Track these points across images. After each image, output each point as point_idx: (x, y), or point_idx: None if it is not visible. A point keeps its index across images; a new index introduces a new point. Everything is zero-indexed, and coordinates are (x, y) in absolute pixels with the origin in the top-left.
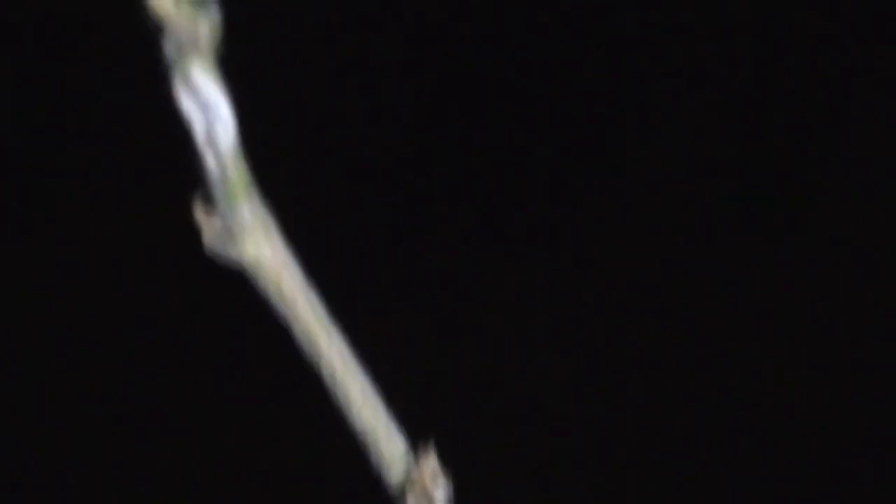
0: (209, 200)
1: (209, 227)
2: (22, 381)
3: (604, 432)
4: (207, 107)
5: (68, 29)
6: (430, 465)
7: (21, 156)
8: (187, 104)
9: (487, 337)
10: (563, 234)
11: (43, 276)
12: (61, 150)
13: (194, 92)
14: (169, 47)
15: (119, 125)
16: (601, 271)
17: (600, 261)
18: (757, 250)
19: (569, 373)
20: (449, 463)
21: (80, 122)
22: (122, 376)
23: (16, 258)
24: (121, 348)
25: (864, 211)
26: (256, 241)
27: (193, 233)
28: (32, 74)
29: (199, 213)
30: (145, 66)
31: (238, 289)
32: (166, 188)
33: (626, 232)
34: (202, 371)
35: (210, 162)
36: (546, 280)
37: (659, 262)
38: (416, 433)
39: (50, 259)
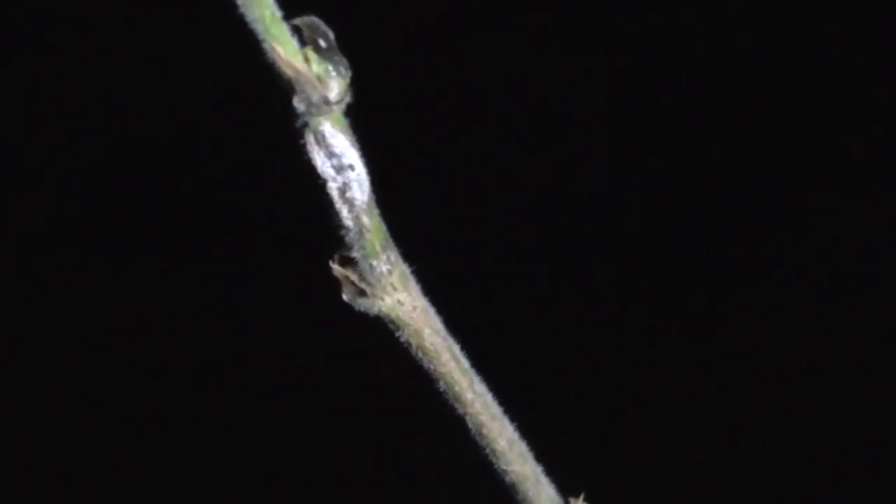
0: (347, 254)
1: (347, 281)
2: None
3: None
4: (341, 162)
5: (200, 96)
6: None
7: (168, 212)
8: (321, 160)
9: (636, 385)
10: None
11: (200, 324)
12: (207, 205)
13: (327, 148)
14: (300, 105)
15: (254, 181)
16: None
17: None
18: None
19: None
20: None
21: (217, 177)
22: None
23: (153, 302)
24: (260, 410)
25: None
26: (395, 294)
27: (333, 287)
28: (175, 138)
29: (338, 268)
30: (279, 123)
31: (378, 341)
32: (305, 244)
33: None
34: (341, 424)
35: (346, 217)
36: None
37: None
38: (566, 481)
39: (219, 314)
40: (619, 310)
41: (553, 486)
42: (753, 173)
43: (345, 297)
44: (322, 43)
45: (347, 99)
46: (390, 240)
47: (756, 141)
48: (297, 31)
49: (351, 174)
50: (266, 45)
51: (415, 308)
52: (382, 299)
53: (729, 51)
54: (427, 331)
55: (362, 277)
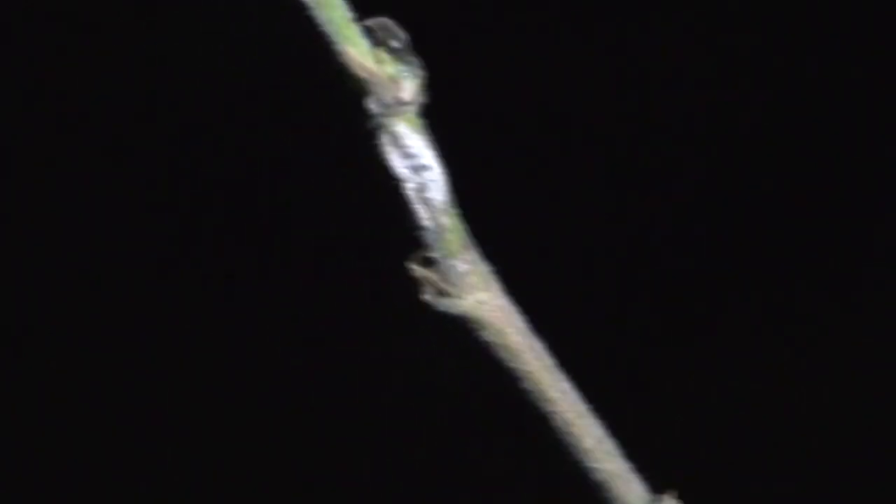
0: (426, 255)
1: (428, 282)
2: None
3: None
4: (417, 163)
5: (278, 93)
6: None
7: (248, 219)
8: (397, 162)
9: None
10: None
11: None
12: (285, 210)
13: (403, 149)
14: (374, 106)
15: (333, 182)
16: None
17: None
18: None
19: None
20: None
21: (295, 179)
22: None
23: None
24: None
25: None
26: (476, 293)
27: (414, 288)
28: (251, 142)
29: (418, 269)
30: (352, 124)
31: (460, 342)
32: (384, 245)
33: None
34: (425, 428)
35: (424, 217)
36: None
37: None
38: (656, 479)
39: (282, 319)
40: (700, 310)
41: (642, 483)
42: (757, 173)
43: (425, 297)
44: (394, 43)
45: (421, 99)
46: (469, 239)
47: (759, 140)
48: (368, 32)
49: (428, 174)
50: (338, 47)
51: (496, 307)
52: (464, 299)
53: (730, 51)
54: (510, 330)
55: (443, 278)
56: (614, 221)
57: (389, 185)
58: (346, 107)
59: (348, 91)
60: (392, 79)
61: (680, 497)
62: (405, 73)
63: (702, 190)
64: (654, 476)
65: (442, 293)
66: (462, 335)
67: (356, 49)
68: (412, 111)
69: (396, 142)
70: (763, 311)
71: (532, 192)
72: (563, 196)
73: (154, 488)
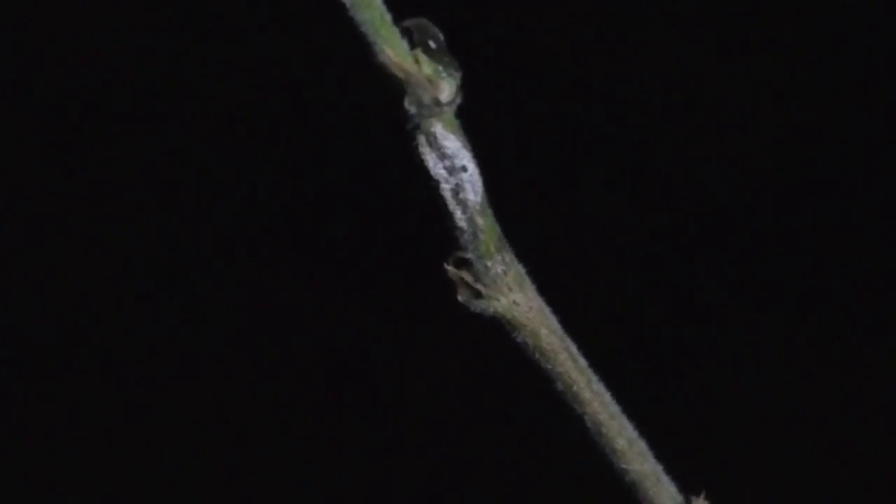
0: (461, 256)
1: (462, 283)
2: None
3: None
4: (453, 164)
5: (313, 96)
6: None
7: (285, 212)
8: (433, 162)
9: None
10: None
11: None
12: (319, 211)
13: (439, 150)
14: (411, 106)
15: (367, 183)
16: None
17: None
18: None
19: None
20: None
21: (329, 182)
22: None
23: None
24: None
25: None
26: (510, 294)
27: (449, 289)
28: (296, 144)
29: (452, 270)
30: (390, 125)
31: (495, 343)
32: (418, 245)
33: None
34: (460, 430)
35: (459, 218)
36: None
37: None
38: (687, 480)
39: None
40: (737, 313)
41: (674, 484)
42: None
43: (460, 298)
44: (432, 44)
45: (458, 100)
46: (504, 240)
47: (764, 141)
48: (406, 32)
49: (464, 175)
50: (376, 47)
51: (531, 308)
52: (498, 300)
53: (730, 51)
54: (544, 331)
55: (477, 278)
56: (652, 223)
57: (425, 185)
58: (383, 107)
59: (386, 91)
60: (429, 80)
61: (711, 498)
62: (442, 74)
63: (744, 193)
64: (686, 477)
65: (476, 294)
66: (497, 337)
67: (394, 50)
68: (449, 112)
69: (433, 143)
70: (801, 313)
71: (567, 193)
72: (598, 197)
73: (154, 488)
